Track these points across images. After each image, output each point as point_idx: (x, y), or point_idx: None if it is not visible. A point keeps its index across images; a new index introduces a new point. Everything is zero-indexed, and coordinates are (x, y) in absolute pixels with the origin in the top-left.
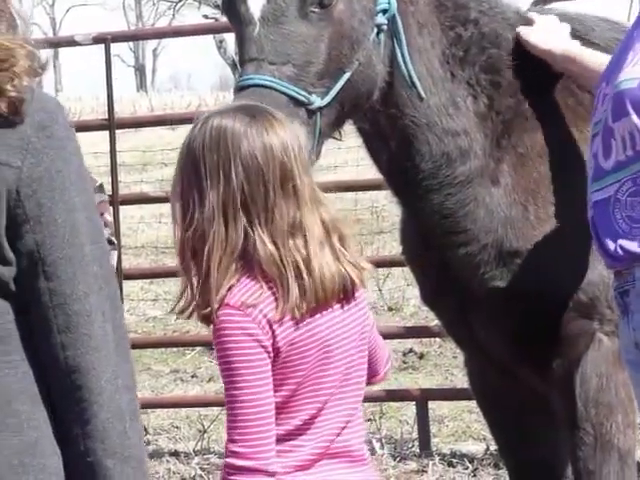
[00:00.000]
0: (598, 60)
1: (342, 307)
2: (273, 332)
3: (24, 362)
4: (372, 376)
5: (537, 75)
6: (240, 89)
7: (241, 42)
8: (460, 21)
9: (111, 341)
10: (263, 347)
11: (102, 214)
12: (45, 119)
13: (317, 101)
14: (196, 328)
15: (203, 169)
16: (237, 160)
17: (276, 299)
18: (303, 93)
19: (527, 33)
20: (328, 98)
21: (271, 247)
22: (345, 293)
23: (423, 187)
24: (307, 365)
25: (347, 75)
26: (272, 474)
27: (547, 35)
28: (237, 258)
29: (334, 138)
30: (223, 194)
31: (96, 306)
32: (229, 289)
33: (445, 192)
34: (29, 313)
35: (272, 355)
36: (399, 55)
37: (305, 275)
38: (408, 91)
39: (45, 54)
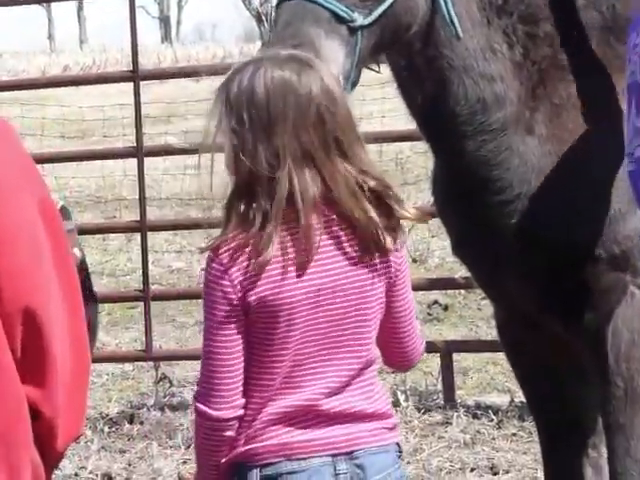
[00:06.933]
0: None
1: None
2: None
3: None
4: (400, 362)
5: (575, 26)
6: (284, 0)
7: None
8: None
9: None
10: (229, 302)
11: None
12: None
13: (359, 19)
14: None
15: (267, 116)
16: (303, 110)
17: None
18: (346, 10)
19: None
20: (371, 18)
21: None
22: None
23: (458, 133)
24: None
25: (389, 0)
26: (223, 419)
27: None
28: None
29: (372, 69)
30: (289, 142)
31: None
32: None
33: (480, 139)
34: None
35: (242, 313)
36: None
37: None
38: (447, 31)
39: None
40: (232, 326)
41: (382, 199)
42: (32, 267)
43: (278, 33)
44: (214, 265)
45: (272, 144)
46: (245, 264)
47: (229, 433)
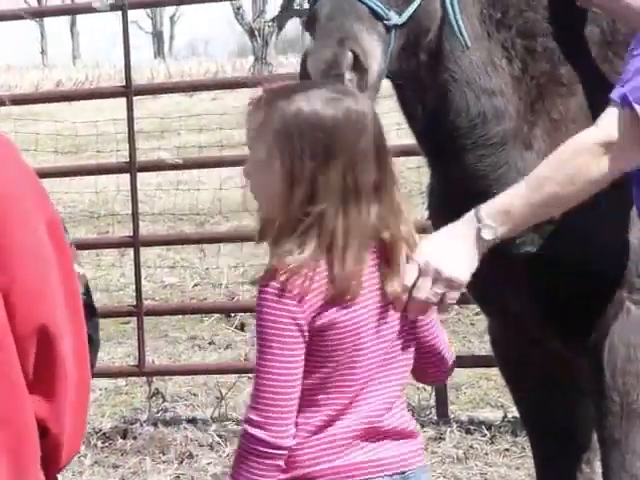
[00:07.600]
0: None
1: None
2: (317, 314)
3: None
4: (434, 373)
5: (573, 41)
6: None
7: None
8: None
9: None
10: (299, 327)
11: None
12: None
13: (394, 18)
14: (213, 295)
15: (330, 146)
16: (369, 140)
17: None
18: (382, 7)
19: None
20: (404, 17)
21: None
22: None
23: (457, 146)
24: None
25: (418, 1)
26: (281, 448)
27: None
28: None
29: (388, 77)
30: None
31: None
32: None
33: (478, 153)
34: None
35: (308, 336)
36: (448, 3)
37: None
38: (453, 42)
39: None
40: (297, 351)
41: (389, 250)
42: (43, 286)
43: (322, 26)
44: (278, 288)
45: (329, 175)
46: (313, 289)
47: (280, 462)
